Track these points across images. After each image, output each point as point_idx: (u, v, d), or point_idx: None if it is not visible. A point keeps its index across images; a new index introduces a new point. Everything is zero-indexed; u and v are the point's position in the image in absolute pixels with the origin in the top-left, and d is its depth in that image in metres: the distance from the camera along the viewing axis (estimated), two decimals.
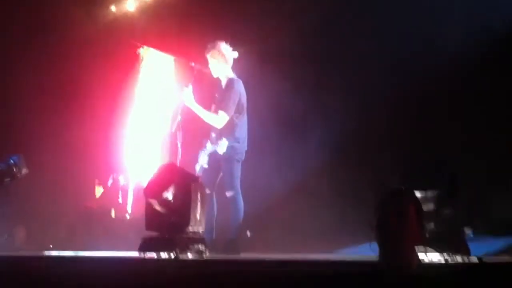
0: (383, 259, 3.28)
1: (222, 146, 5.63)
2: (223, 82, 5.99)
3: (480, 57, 5.94)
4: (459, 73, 6.10)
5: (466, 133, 5.99)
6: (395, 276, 3.19)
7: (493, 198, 5.73)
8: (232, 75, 5.97)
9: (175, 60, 8.52)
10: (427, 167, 4.47)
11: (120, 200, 7.96)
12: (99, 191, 8.06)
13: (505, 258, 4.81)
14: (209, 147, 5.84)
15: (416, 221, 3.36)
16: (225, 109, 5.79)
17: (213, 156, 5.81)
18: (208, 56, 5.94)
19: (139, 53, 8.59)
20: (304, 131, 6.89)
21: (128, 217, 7.82)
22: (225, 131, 5.80)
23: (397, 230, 3.28)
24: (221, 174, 5.82)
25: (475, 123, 6.03)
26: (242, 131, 5.90)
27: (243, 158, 5.87)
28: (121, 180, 8.07)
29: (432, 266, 3.82)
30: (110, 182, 8.05)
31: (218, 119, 5.81)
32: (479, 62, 5.98)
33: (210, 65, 5.95)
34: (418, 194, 4.13)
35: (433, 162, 4.56)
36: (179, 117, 5.78)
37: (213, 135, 5.85)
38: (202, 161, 5.86)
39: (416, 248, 3.71)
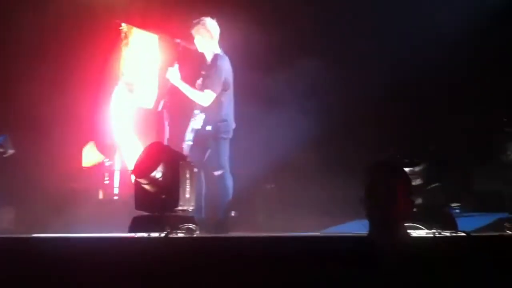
0: (372, 232, 3.29)
1: (198, 121, 5.64)
2: (209, 58, 5.93)
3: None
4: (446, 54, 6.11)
5: (453, 112, 6.03)
6: (384, 250, 3.20)
7: (478, 173, 5.77)
8: (218, 51, 5.92)
9: (159, 38, 8.43)
10: (414, 143, 4.51)
11: (107, 181, 7.91)
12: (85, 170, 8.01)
13: (492, 233, 4.87)
14: (192, 124, 5.80)
15: (405, 194, 3.36)
16: (211, 87, 5.74)
17: (199, 133, 5.78)
18: (193, 32, 5.87)
19: (121, 31, 8.46)
20: (293, 107, 6.86)
21: (116, 198, 7.80)
22: (211, 108, 5.77)
23: (385, 201, 3.27)
24: (208, 152, 5.79)
25: (461, 102, 6.06)
26: (229, 109, 5.86)
27: (230, 136, 5.82)
28: (108, 161, 8.02)
29: (420, 240, 3.85)
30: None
31: (204, 97, 5.76)
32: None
33: (195, 41, 5.89)
34: (406, 169, 4.17)
35: (420, 138, 4.59)
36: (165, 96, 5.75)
37: (196, 112, 5.81)
38: (188, 138, 5.82)
39: (405, 222, 3.75)
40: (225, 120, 5.79)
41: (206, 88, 5.77)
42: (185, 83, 5.78)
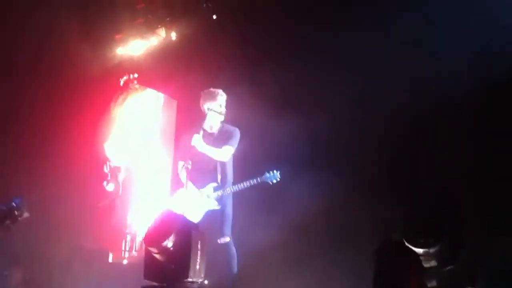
0: None
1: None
2: (217, 127, 6.21)
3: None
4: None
5: (467, 188, 5.96)
6: None
7: (494, 254, 5.66)
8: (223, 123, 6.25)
9: (178, 103, 8.60)
10: (426, 221, 4.44)
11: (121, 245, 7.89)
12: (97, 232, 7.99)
13: None
14: (213, 192, 5.88)
15: (413, 276, 3.30)
16: (231, 144, 6.08)
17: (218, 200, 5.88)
18: (210, 98, 6.19)
19: (136, 89, 8.66)
20: (303, 174, 6.86)
21: (125, 262, 7.74)
22: (227, 176, 5.97)
23: (393, 284, 3.22)
24: (221, 219, 5.82)
25: (475, 178, 5.99)
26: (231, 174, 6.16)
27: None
28: (121, 224, 8.01)
29: None
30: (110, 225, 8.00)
31: (224, 153, 6.05)
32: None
33: (210, 106, 6.16)
34: (420, 250, 4.11)
35: (434, 217, 4.51)
36: (189, 163, 5.82)
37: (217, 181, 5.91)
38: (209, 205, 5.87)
39: None
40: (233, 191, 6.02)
41: (224, 145, 6.01)
42: (208, 146, 6.00)
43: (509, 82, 5.80)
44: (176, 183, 5.91)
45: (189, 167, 5.90)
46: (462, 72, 5.87)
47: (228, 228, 5.82)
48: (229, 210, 5.96)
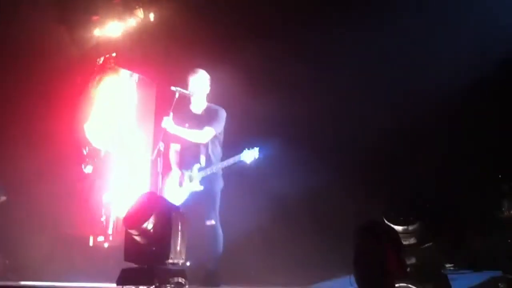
0: None
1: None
2: (203, 105, 6.10)
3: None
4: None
5: (445, 166, 6.01)
6: None
7: (472, 231, 5.72)
8: (208, 103, 6.14)
9: (157, 85, 8.52)
10: (407, 201, 4.46)
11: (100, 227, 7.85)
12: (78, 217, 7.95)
13: None
14: (197, 173, 5.84)
15: (393, 255, 3.32)
16: (212, 126, 5.94)
17: (193, 185, 5.83)
18: (191, 79, 6.06)
19: (115, 72, 8.57)
20: (286, 161, 6.85)
21: (106, 245, 7.71)
22: (213, 159, 5.90)
23: (372, 264, 3.24)
24: (205, 202, 5.80)
25: (454, 156, 6.04)
26: (219, 158, 6.03)
27: (222, 185, 5.95)
28: (101, 207, 7.96)
29: None
30: (89, 208, 7.95)
31: (204, 134, 5.93)
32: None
33: (191, 88, 6.02)
34: (399, 228, 4.13)
35: (413, 196, 4.54)
36: (160, 144, 5.75)
37: (200, 163, 5.85)
38: (193, 187, 5.85)
39: (396, 282, 3.69)
40: (221, 173, 5.92)
41: (206, 126, 5.91)
42: (181, 127, 5.88)
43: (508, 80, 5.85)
44: (156, 165, 5.81)
45: (178, 150, 5.87)
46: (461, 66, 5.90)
47: (214, 210, 5.74)
48: (215, 192, 5.85)
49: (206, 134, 5.95)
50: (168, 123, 5.80)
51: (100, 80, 8.49)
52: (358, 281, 3.26)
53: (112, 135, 8.24)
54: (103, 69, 8.50)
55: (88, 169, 7.97)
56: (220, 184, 5.89)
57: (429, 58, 6.09)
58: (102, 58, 8.52)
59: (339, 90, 6.65)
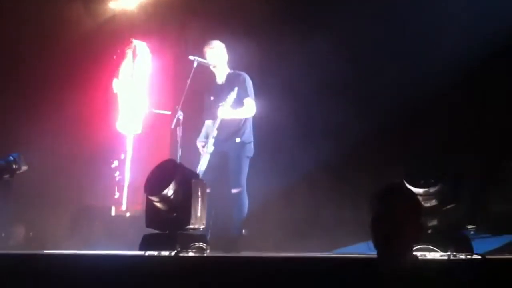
0: (379, 258, 3.23)
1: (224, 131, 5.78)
2: (224, 75, 6.03)
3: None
4: (460, 72, 6.05)
5: (467, 131, 5.96)
6: (393, 275, 3.13)
7: (493, 194, 5.68)
8: (230, 70, 6.07)
9: (174, 56, 8.51)
10: (429, 164, 4.42)
11: (116, 196, 7.91)
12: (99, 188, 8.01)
13: (507, 256, 4.78)
14: (211, 145, 5.81)
15: (411, 218, 3.28)
16: (250, 96, 5.88)
17: (219, 154, 5.80)
18: (208, 49, 6.01)
19: (133, 48, 8.56)
20: (305, 129, 6.84)
21: (128, 214, 7.78)
22: (234, 128, 5.84)
23: (390, 228, 3.21)
24: (228, 171, 5.80)
25: (474, 120, 5.99)
26: (251, 127, 5.97)
27: (252, 154, 5.91)
28: (119, 176, 8.02)
29: (434, 263, 3.78)
30: (108, 179, 8.00)
31: (249, 108, 5.89)
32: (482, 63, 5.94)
33: (209, 58, 5.98)
34: (420, 190, 4.11)
35: (435, 159, 4.50)
36: (179, 113, 5.75)
37: (216, 133, 5.81)
38: (205, 160, 5.82)
39: (414, 245, 3.68)
40: (251, 141, 5.90)
41: (245, 98, 5.86)
42: (234, 110, 5.82)
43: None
44: (176, 134, 5.82)
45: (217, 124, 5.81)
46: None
47: (240, 178, 5.75)
48: (242, 159, 5.82)
49: (250, 107, 5.90)
50: (224, 111, 5.75)
51: (122, 67, 8.50)
52: (376, 245, 3.23)
53: (140, 120, 8.30)
54: (122, 56, 8.51)
55: (115, 164, 8.06)
56: (247, 151, 5.86)
57: (449, 22, 6.03)
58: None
59: (355, 57, 6.62)
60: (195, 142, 6.01)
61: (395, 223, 3.16)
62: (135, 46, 8.52)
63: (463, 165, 4.58)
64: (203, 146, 5.85)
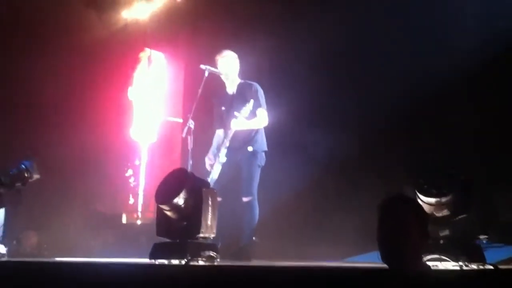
0: (390, 268, 3.21)
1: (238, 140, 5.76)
2: (234, 85, 6.04)
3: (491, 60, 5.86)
4: (468, 74, 6.01)
5: (476, 139, 5.92)
6: (405, 285, 3.11)
7: (505, 204, 5.63)
8: (241, 80, 6.07)
9: (185, 65, 8.56)
10: (440, 173, 4.39)
11: (130, 203, 7.94)
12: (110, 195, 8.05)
13: None
14: (223, 155, 5.81)
15: (417, 227, 3.27)
16: (263, 106, 5.89)
17: (231, 163, 5.80)
18: (220, 58, 6.02)
19: (146, 56, 8.63)
20: (314, 135, 6.83)
21: (139, 222, 7.80)
22: (247, 137, 5.86)
23: (397, 238, 3.19)
24: (240, 179, 5.80)
25: (484, 129, 5.94)
26: (263, 135, 5.97)
27: (264, 163, 5.91)
28: (132, 184, 8.05)
29: (446, 273, 3.75)
30: (120, 186, 8.03)
31: (262, 119, 5.90)
32: (489, 66, 5.90)
33: (220, 68, 5.99)
34: (432, 200, 4.09)
35: (446, 167, 4.47)
36: (190, 122, 5.76)
37: (228, 143, 5.80)
38: (217, 169, 5.81)
39: (424, 254, 3.66)
40: (263, 150, 5.91)
41: (258, 108, 5.86)
42: (247, 121, 5.82)
43: None
44: (186, 143, 5.84)
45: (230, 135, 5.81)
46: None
47: (251, 187, 5.75)
48: (254, 168, 5.82)
49: (263, 117, 5.91)
50: (238, 123, 5.76)
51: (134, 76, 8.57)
52: (383, 255, 3.23)
53: (154, 128, 8.34)
54: (136, 64, 8.58)
55: (129, 172, 8.11)
56: (259, 160, 5.86)
57: (458, 20, 6.00)
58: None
59: (365, 60, 6.61)
60: (207, 151, 6.01)
61: (401, 233, 3.15)
62: (150, 55, 8.58)
63: (473, 174, 4.56)
64: (211, 164, 5.86)
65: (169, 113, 8.14)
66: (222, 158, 5.79)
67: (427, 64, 6.07)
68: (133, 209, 7.95)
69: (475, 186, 4.34)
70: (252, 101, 5.77)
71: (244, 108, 5.75)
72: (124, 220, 7.82)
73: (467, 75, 5.92)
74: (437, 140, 6.04)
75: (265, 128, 6.05)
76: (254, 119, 5.87)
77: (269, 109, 6.08)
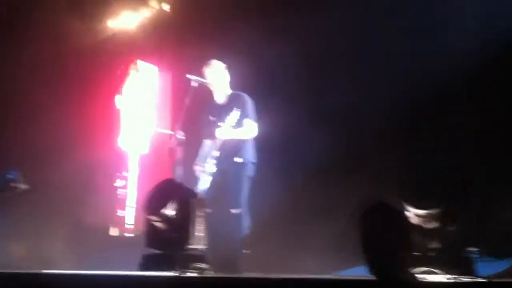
0: (378, 280, 3.19)
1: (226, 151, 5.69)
2: (223, 96, 6.02)
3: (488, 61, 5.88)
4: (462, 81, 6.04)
5: (476, 139, 5.91)
6: None
7: (495, 216, 5.65)
8: (231, 90, 6.02)
9: (173, 75, 8.54)
10: (429, 185, 4.41)
11: (118, 215, 7.88)
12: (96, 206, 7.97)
13: (510, 280, 4.75)
14: (211, 165, 5.78)
15: (399, 236, 3.25)
16: (250, 117, 5.86)
17: (219, 173, 5.78)
18: (208, 69, 6.00)
19: (135, 67, 8.60)
20: (305, 143, 6.82)
21: (127, 235, 7.73)
22: (235, 148, 5.82)
23: (382, 249, 3.18)
24: (229, 191, 5.77)
25: (484, 129, 5.93)
26: (253, 147, 5.94)
27: (253, 174, 5.88)
28: (119, 196, 7.99)
29: (437, 285, 3.75)
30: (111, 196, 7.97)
31: (249, 129, 5.86)
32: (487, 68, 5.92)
33: (209, 77, 5.98)
34: (421, 212, 4.10)
35: (435, 179, 4.48)
36: (179, 132, 5.73)
37: (216, 153, 5.78)
38: (205, 180, 5.79)
39: (410, 266, 3.64)
40: (252, 161, 5.86)
41: (246, 119, 5.83)
42: (233, 130, 5.80)
43: None
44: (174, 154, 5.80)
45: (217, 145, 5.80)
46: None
47: (239, 199, 5.70)
48: (242, 180, 5.78)
49: (251, 127, 5.89)
50: (222, 132, 5.76)
51: (124, 85, 8.54)
52: (369, 267, 3.20)
53: (143, 136, 8.31)
54: (126, 74, 8.55)
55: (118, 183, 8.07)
56: (248, 171, 5.83)
57: (458, 20, 6.04)
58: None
59: (361, 61, 6.62)
60: (195, 162, 5.99)
61: (382, 243, 3.13)
62: (139, 65, 8.56)
63: (473, 174, 4.57)
64: (201, 170, 5.84)
65: (159, 125, 8.10)
66: (211, 167, 5.76)
67: (427, 64, 6.06)
68: (121, 221, 7.88)
69: (465, 198, 4.36)
70: (235, 111, 5.76)
71: (227, 117, 5.75)
72: (112, 232, 7.75)
73: (467, 75, 5.92)
74: (437, 140, 6.03)
75: (259, 139, 6.02)
76: (240, 128, 5.86)
77: (261, 120, 6.07)
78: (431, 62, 6.03)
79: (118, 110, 8.46)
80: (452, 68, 5.92)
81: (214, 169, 5.75)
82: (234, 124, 5.74)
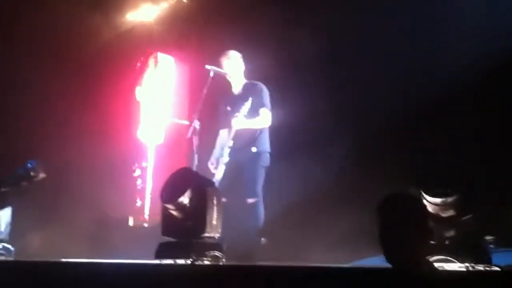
0: (394, 269, 3.19)
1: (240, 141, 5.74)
2: (240, 86, 6.05)
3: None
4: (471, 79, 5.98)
5: (476, 139, 5.88)
6: (410, 285, 3.09)
7: (506, 204, 5.58)
8: (247, 80, 6.07)
9: (191, 66, 8.57)
10: (445, 173, 4.37)
11: (137, 205, 7.95)
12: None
13: None
14: (226, 155, 5.81)
15: (418, 225, 3.24)
16: (266, 106, 5.91)
17: (234, 163, 5.78)
18: (225, 59, 6.04)
19: (154, 60, 8.65)
20: (323, 137, 6.81)
21: (146, 225, 7.80)
22: (250, 138, 5.84)
23: (398, 238, 3.17)
24: (244, 180, 5.79)
25: (484, 129, 5.89)
26: (267, 136, 5.97)
27: (268, 163, 5.86)
28: (139, 186, 8.06)
29: (452, 274, 3.72)
30: (128, 188, 8.04)
31: (265, 118, 5.91)
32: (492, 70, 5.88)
33: (226, 68, 6.00)
34: (438, 200, 4.07)
35: (451, 167, 4.44)
36: (196, 123, 5.77)
37: (231, 143, 5.81)
38: (225, 157, 5.82)
39: (428, 253, 3.63)
40: (267, 151, 5.89)
41: (261, 108, 5.87)
42: (248, 120, 5.83)
43: None
44: (192, 143, 5.83)
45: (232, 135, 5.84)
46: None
47: (255, 188, 5.76)
48: (257, 169, 5.85)
49: (266, 116, 5.92)
50: (238, 122, 5.79)
51: (144, 77, 8.60)
52: (387, 255, 3.20)
53: (161, 129, 8.36)
54: (145, 66, 8.61)
55: (137, 173, 8.12)
56: (263, 161, 5.85)
57: (458, 26, 5.98)
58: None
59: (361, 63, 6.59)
60: (211, 151, 6.02)
61: (402, 233, 3.13)
62: (158, 57, 8.61)
63: (473, 174, 4.54)
64: (215, 168, 5.86)
65: (175, 115, 8.14)
66: (225, 158, 5.79)
67: (427, 64, 6.04)
68: (140, 211, 7.95)
69: (481, 186, 4.32)
70: (250, 99, 5.78)
71: (242, 107, 5.76)
72: (131, 222, 7.83)
73: (467, 75, 5.87)
74: (437, 140, 5.99)
75: (274, 129, 6.04)
76: (256, 118, 5.87)
77: (276, 111, 6.07)
78: (432, 62, 6.02)
79: (137, 102, 8.51)
80: (452, 68, 5.88)
81: (228, 158, 5.78)
82: (248, 113, 5.76)
